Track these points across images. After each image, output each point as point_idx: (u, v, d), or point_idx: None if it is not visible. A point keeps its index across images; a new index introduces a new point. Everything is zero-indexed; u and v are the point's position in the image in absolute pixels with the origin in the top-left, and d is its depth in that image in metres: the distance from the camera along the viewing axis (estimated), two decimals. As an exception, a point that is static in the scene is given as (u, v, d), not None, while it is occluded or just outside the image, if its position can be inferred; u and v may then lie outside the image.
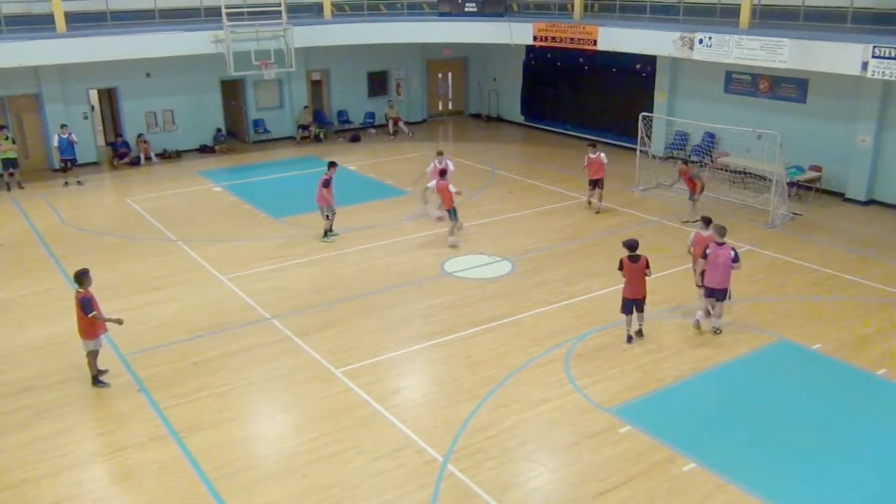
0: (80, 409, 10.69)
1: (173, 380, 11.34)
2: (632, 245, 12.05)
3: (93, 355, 11.14)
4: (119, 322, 11.09)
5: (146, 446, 9.80)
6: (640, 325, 12.35)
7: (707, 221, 12.87)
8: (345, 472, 9.25)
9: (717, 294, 12.23)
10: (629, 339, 12.23)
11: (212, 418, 10.39)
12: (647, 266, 12.04)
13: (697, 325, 12.52)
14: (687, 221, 17.48)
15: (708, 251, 12.07)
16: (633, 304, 12.12)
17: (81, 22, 21.90)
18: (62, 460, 9.56)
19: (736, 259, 12.02)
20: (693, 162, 21.91)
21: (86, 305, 10.78)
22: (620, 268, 12.13)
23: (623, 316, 12.28)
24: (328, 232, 16.95)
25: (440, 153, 18.24)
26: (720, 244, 12.06)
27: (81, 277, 10.94)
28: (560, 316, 13.24)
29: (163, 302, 14.05)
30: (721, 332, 12.47)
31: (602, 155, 18.39)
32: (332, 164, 17.12)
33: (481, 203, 19.67)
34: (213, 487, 9.00)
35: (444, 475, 9.13)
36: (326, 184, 16.58)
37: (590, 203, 18.91)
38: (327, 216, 16.89)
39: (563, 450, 9.67)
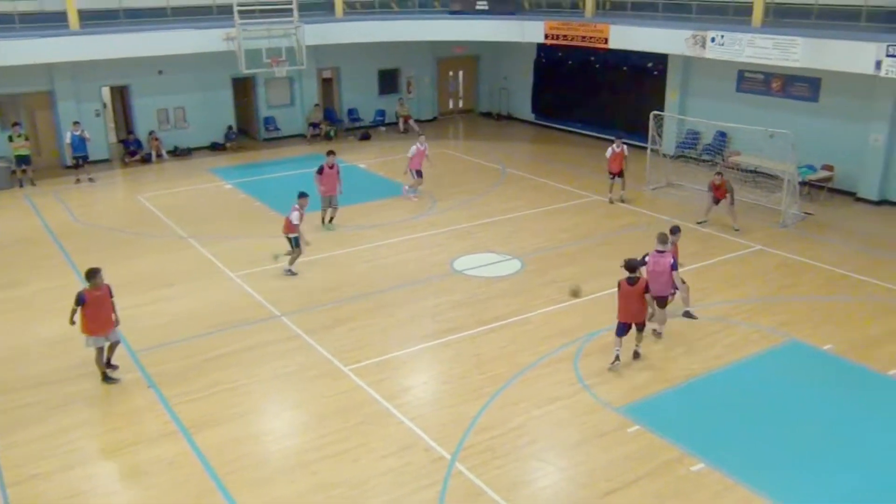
0: (90, 405, 10.76)
1: (183, 376, 11.40)
2: (632, 266, 11.14)
3: (97, 352, 11.17)
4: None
5: (156, 442, 9.86)
6: (638, 346, 11.67)
7: None
8: (353, 469, 9.27)
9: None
10: (616, 359, 11.27)
11: (221, 415, 10.43)
12: (647, 289, 11.17)
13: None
14: (702, 222, 17.36)
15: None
16: (627, 327, 11.32)
17: (94, 19, 22.03)
18: (73, 455, 9.62)
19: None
20: (705, 161, 21.79)
21: (77, 298, 10.86)
22: (619, 288, 11.24)
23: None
24: (326, 221, 17.62)
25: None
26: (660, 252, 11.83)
27: (88, 275, 10.99)
28: (569, 315, 13.22)
29: (173, 298, 14.11)
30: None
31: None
32: (328, 153, 17.71)
33: (491, 201, 19.66)
34: (222, 483, 9.05)
35: (452, 473, 9.14)
36: (320, 170, 17.23)
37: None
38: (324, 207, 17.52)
39: (572, 449, 9.66)
